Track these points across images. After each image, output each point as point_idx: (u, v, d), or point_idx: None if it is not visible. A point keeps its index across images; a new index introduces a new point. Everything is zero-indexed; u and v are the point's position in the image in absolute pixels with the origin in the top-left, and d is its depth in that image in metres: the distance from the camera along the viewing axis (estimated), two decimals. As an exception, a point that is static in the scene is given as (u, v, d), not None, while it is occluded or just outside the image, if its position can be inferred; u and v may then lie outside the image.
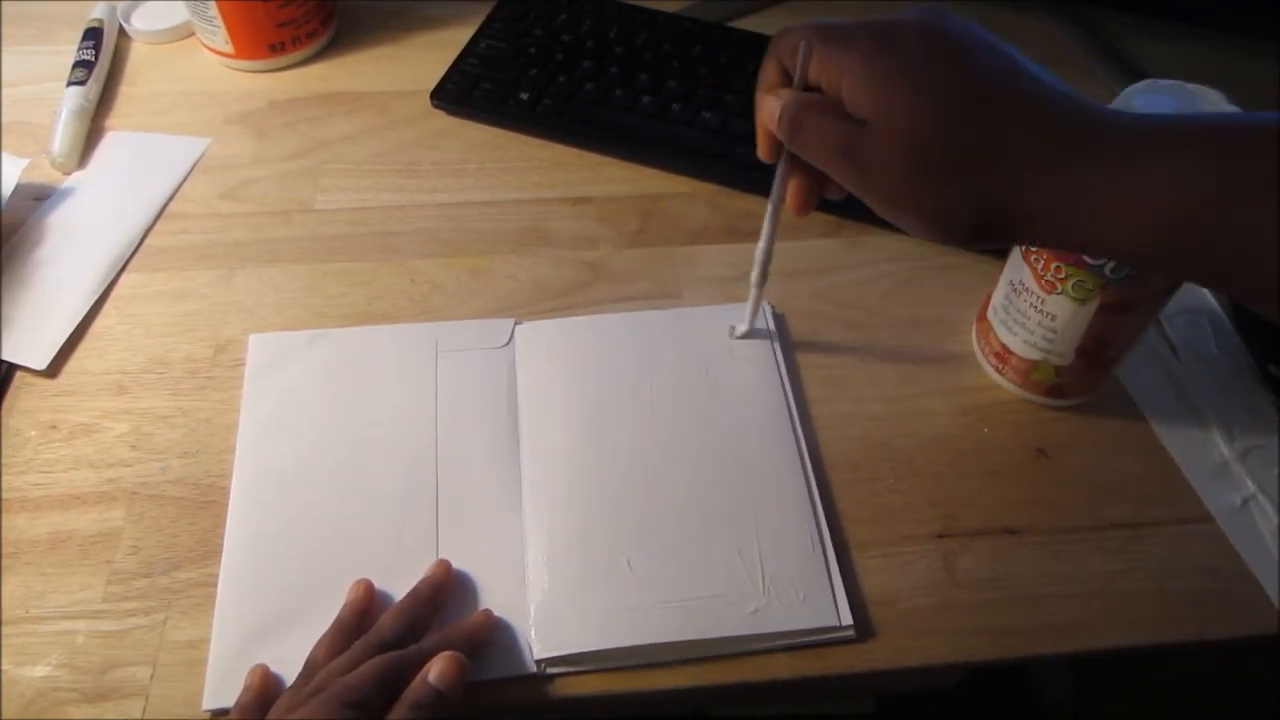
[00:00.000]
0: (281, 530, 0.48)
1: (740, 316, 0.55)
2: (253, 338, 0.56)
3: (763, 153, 0.44)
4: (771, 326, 0.56)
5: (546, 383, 0.54)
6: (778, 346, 0.56)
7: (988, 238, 0.37)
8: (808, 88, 0.41)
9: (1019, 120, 0.35)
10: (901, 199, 0.38)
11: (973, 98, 0.35)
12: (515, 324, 0.56)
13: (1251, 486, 0.51)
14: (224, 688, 0.43)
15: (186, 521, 0.49)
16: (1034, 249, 0.49)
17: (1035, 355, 0.51)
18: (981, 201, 0.36)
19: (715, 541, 0.48)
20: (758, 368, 0.54)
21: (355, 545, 0.48)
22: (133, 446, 0.52)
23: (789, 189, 0.45)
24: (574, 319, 0.57)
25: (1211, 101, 0.44)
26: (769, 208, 0.48)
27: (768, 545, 0.48)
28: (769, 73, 0.42)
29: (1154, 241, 0.33)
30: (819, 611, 0.46)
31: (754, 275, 0.52)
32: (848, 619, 0.46)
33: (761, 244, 0.50)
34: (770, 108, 0.41)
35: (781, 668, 0.45)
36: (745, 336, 0.56)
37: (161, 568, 0.48)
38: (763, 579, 0.47)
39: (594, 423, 0.52)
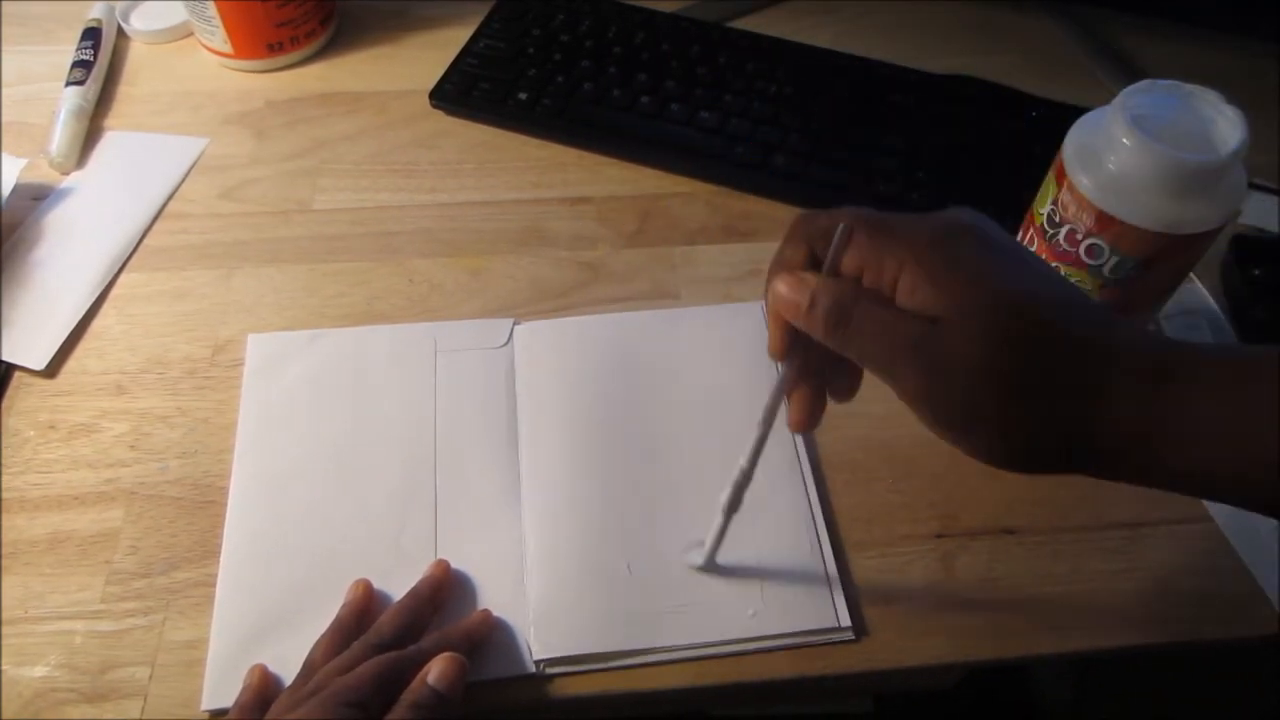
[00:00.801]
0: (280, 530, 0.48)
1: (736, 325, 0.54)
2: (251, 338, 0.56)
3: (774, 349, 0.38)
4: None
5: (545, 383, 0.54)
6: (776, 346, 0.55)
7: (1060, 466, 0.34)
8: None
9: (1112, 334, 0.33)
10: (975, 411, 0.34)
11: (1059, 308, 0.33)
12: (514, 324, 0.56)
13: (1250, 486, 0.51)
14: (223, 688, 0.43)
15: (185, 521, 0.49)
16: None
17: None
18: (1067, 425, 0.33)
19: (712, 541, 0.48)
20: (757, 368, 0.54)
21: (354, 545, 0.48)
22: (131, 446, 0.52)
23: (793, 400, 0.40)
24: (572, 319, 0.57)
25: (1209, 102, 0.44)
26: (761, 423, 0.40)
27: (766, 545, 0.48)
28: (791, 256, 0.37)
29: (1262, 472, 0.31)
30: (817, 612, 0.46)
31: (724, 499, 0.43)
32: (846, 619, 0.46)
33: (743, 463, 0.42)
34: (795, 295, 0.36)
35: (780, 668, 0.45)
36: (704, 570, 0.47)
37: (160, 568, 0.47)
38: (761, 579, 0.47)
39: (592, 423, 0.52)
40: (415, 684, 0.40)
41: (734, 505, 0.43)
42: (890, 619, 0.47)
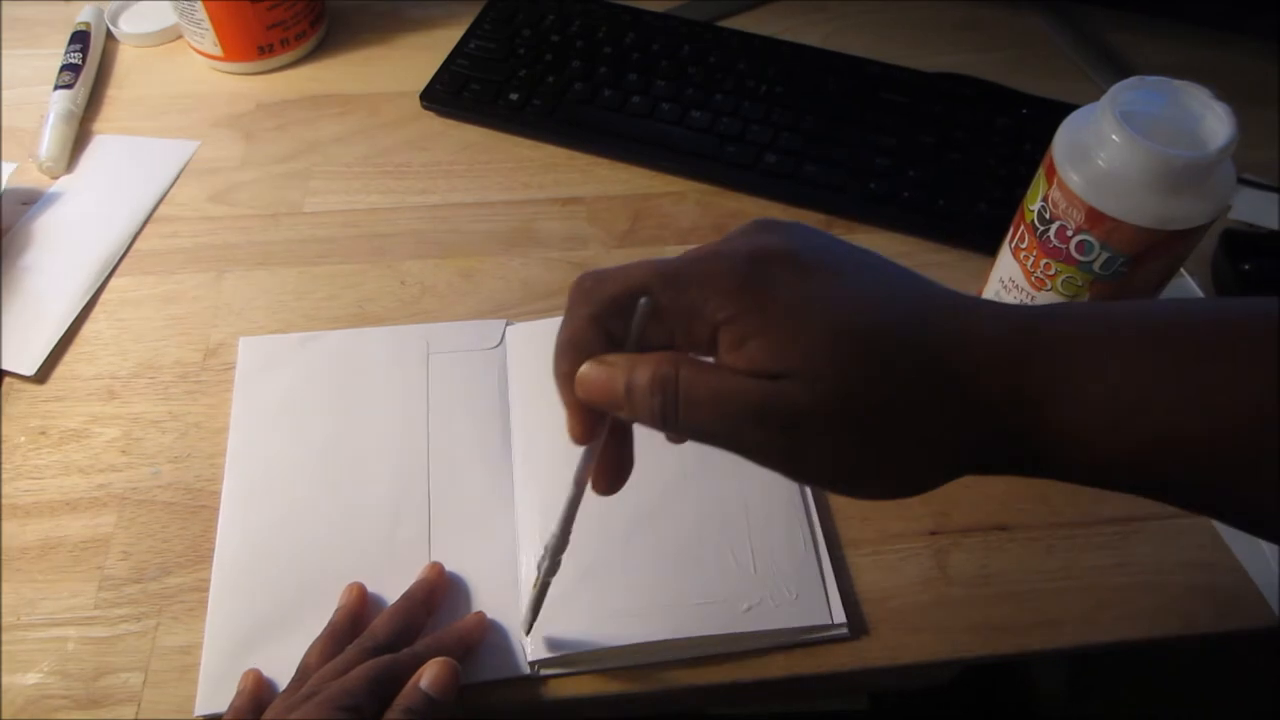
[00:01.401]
0: (273, 534, 0.48)
1: None
2: (243, 341, 0.56)
3: (577, 434, 0.34)
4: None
5: (538, 383, 0.54)
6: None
7: (967, 470, 0.31)
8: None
9: (970, 321, 0.30)
10: (849, 461, 0.30)
11: (906, 315, 0.30)
12: (506, 325, 0.56)
13: (1241, 481, 0.51)
14: (217, 693, 0.43)
15: (178, 526, 0.49)
16: (1022, 248, 0.49)
17: (1025, 352, 0.51)
18: (955, 436, 0.30)
19: (708, 541, 0.48)
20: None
21: (347, 548, 0.48)
22: (123, 451, 0.52)
23: (598, 469, 0.36)
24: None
25: (1198, 98, 0.44)
26: (571, 492, 0.37)
27: (760, 544, 0.48)
28: (582, 335, 0.32)
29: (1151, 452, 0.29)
30: (812, 610, 0.46)
31: (544, 564, 0.40)
32: (841, 617, 0.46)
33: (554, 530, 0.39)
34: (602, 379, 0.31)
35: (775, 666, 0.45)
36: (528, 633, 0.44)
37: (153, 573, 0.47)
38: (755, 578, 0.47)
39: (586, 423, 0.52)
40: (408, 688, 0.40)
41: (552, 569, 0.41)
42: (885, 616, 0.47)
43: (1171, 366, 0.29)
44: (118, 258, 0.60)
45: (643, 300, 0.31)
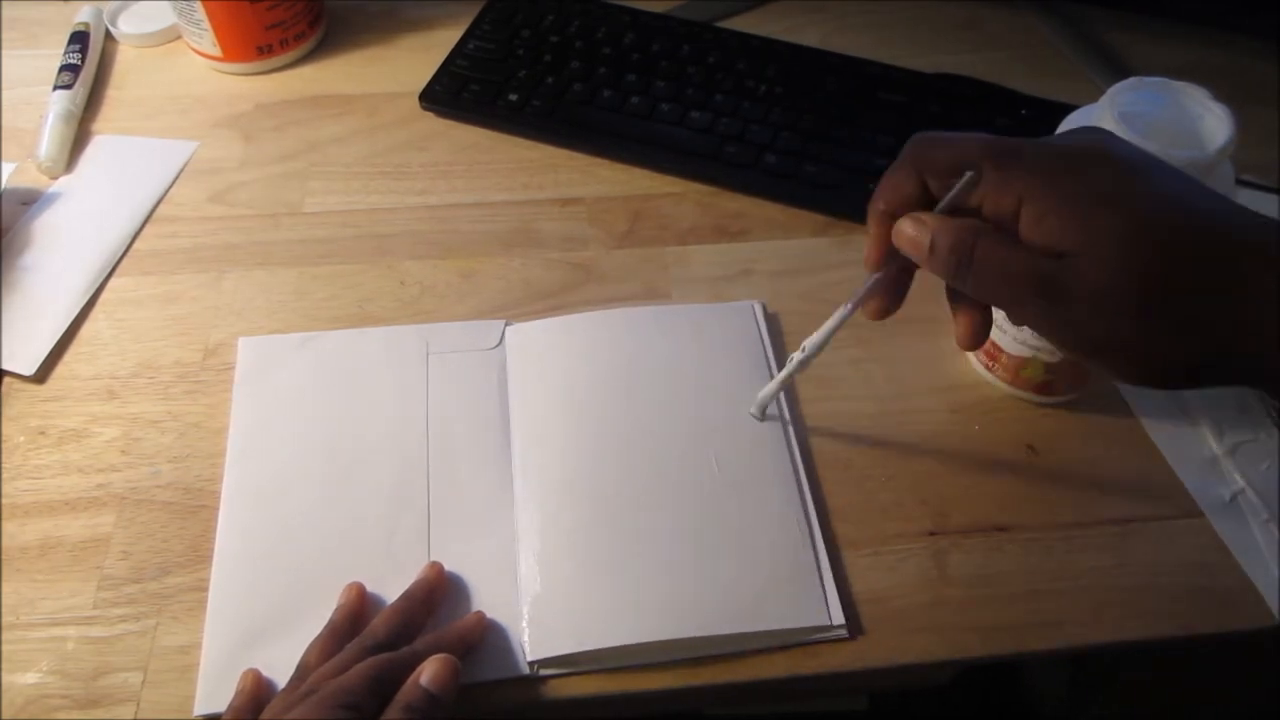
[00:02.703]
0: (273, 534, 0.48)
1: (729, 322, 0.55)
2: (242, 341, 0.56)
3: (871, 263, 0.40)
4: (762, 324, 0.56)
5: (537, 383, 0.54)
6: (768, 344, 0.56)
7: (1205, 382, 0.34)
8: (953, 212, 0.37)
9: (1254, 254, 0.32)
10: (1111, 339, 0.34)
11: (1195, 229, 0.33)
12: (506, 325, 0.56)
13: (1240, 481, 0.51)
14: (216, 693, 0.43)
15: (177, 526, 0.49)
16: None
17: (1025, 352, 0.52)
18: (1209, 343, 0.33)
19: (706, 541, 0.48)
20: (748, 366, 0.54)
21: (347, 548, 0.48)
22: (122, 451, 0.52)
23: (876, 295, 0.42)
24: (564, 319, 0.57)
25: (1196, 99, 0.44)
26: (843, 309, 0.44)
27: (759, 544, 0.48)
28: (901, 185, 0.38)
29: None
30: (810, 610, 0.46)
31: (797, 356, 0.47)
32: (839, 617, 0.46)
33: (820, 336, 0.45)
34: (912, 232, 0.37)
35: (774, 667, 0.45)
36: (761, 416, 0.52)
37: (152, 573, 0.47)
38: (754, 578, 0.47)
39: (584, 423, 0.52)
40: (408, 685, 0.40)
41: (802, 365, 0.47)
42: (883, 617, 0.47)
43: None
44: (117, 258, 0.60)
45: (968, 173, 0.35)
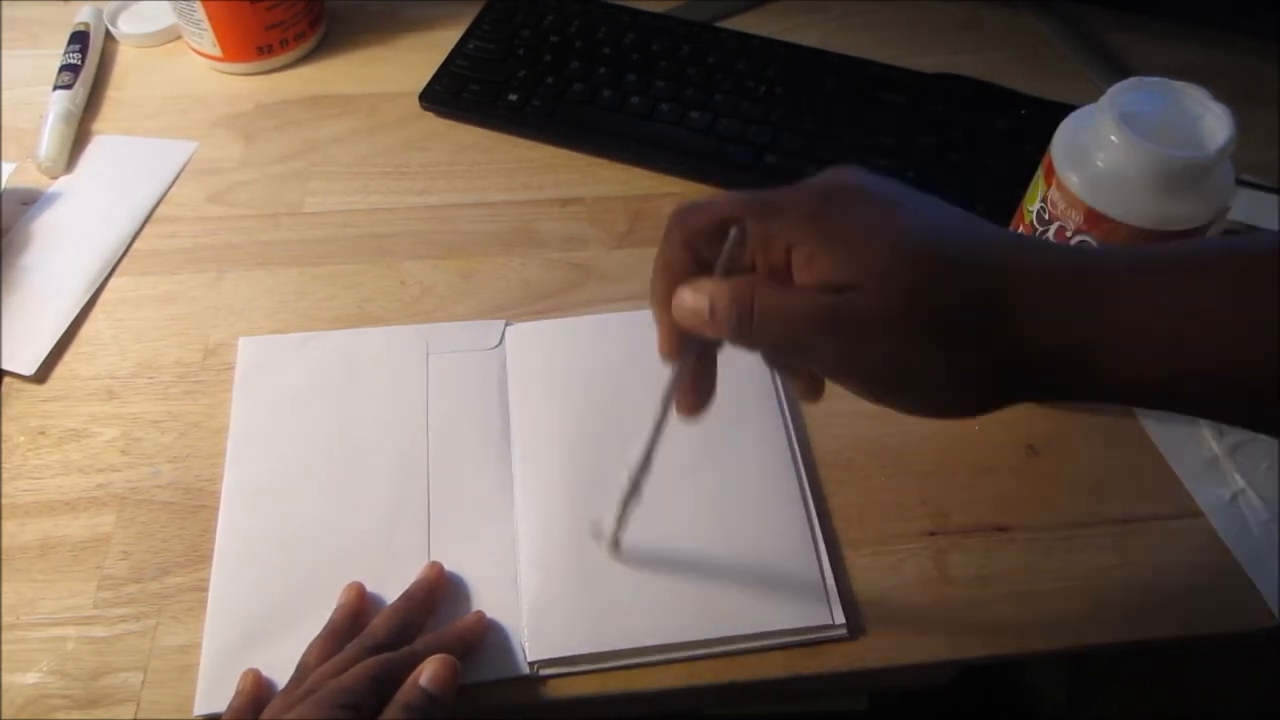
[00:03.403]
0: (273, 534, 0.48)
1: None
2: (242, 341, 0.56)
3: (666, 350, 0.38)
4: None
5: (537, 383, 0.54)
6: (768, 346, 0.55)
7: (1003, 398, 0.34)
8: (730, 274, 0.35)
9: (1021, 271, 0.32)
10: (901, 366, 0.33)
11: (961, 247, 0.33)
12: (506, 325, 0.56)
13: (1240, 481, 0.51)
14: (216, 692, 0.43)
15: (177, 526, 0.49)
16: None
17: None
18: (991, 360, 0.32)
19: (707, 541, 0.48)
20: (748, 366, 0.54)
21: (347, 548, 0.48)
22: (122, 451, 0.52)
23: (682, 391, 0.40)
24: (564, 320, 0.57)
25: (1196, 99, 0.44)
26: (658, 414, 0.40)
27: (759, 544, 0.48)
28: (675, 260, 0.36)
29: (1217, 371, 0.31)
30: (811, 610, 0.46)
31: (627, 491, 0.43)
32: (840, 617, 0.46)
33: (640, 454, 0.41)
34: (690, 301, 0.35)
35: (774, 667, 0.45)
36: (612, 547, 0.46)
37: (152, 573, 0.47)
38: (754, 579, 0.47)
39: (585, 423, 0.52)
40: (408, 685, 0.40)
41: (634, 495, 0.43)
42: (884, 617, 0.47)
43: (1231, 288, 0.31)
44: (117, 258, 0.60)
45: (733, 230, 0.35)
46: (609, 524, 0.45)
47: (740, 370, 0.54)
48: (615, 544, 0.46)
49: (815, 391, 0.40)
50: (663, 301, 0.37)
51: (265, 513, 0.49)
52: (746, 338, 0.35)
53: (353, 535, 0.48)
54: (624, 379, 0.54)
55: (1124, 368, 0.31)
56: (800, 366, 0.38)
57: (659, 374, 0.54)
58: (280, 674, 0.43)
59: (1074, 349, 0.32)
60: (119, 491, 0.50)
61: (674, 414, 0.40)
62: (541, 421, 0.52)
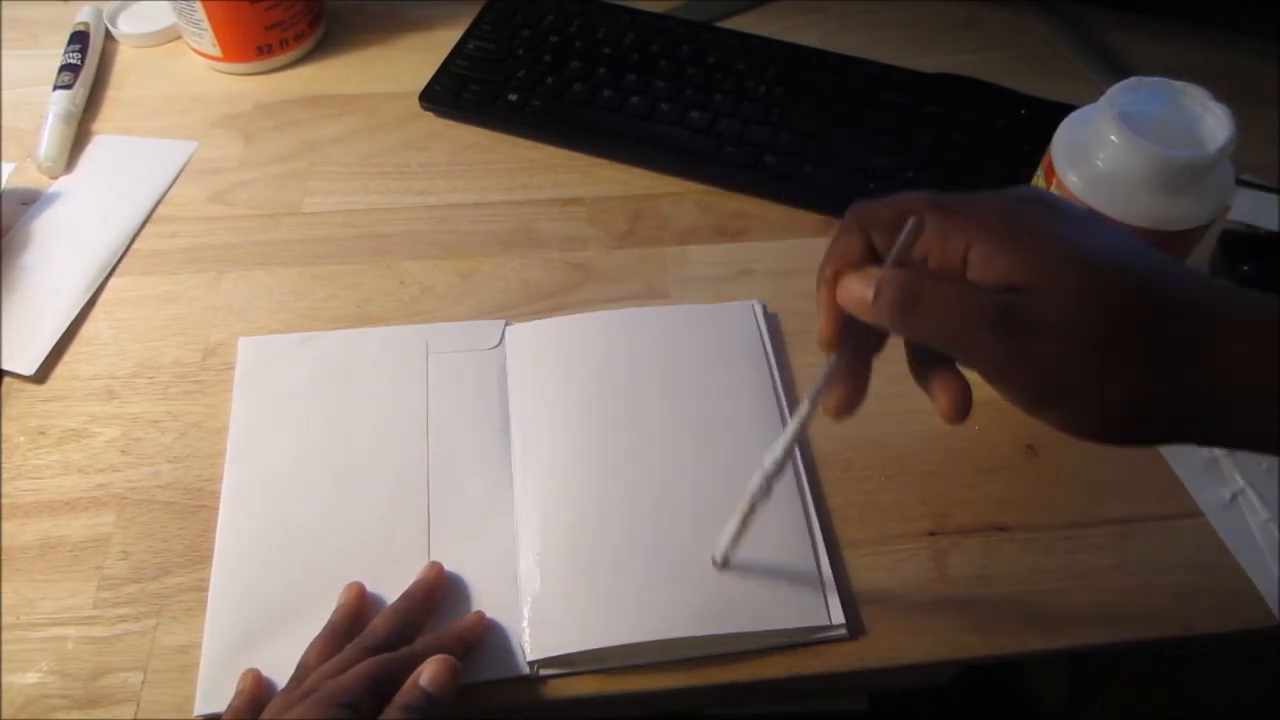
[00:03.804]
0: (272, 534, 0.48)
1: (728, 322, 0.53)
2: (242, 341, 0.56)
3: (824, 341, 0.37)
4: (762, 324, 0.56)
5: (537, 383, 0.54)
6: (768, 344, 0.56)
7: (1161, 435, 0.33)
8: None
9: (1222, 315, 0.31)
10: (1068, 377, 0.32)
11: (1157, 275, 0.32)
12: (505, 325, 0.56)
13: (1240, 481, 0.51)
14: (216, 692, 0.43)
15: (177, 526, 0.49)
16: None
17: (1024, 352, 0.52)
18: (1168, 390, 0.31)
19: (707, 540, 0.48)
20: (749, 366, 0.54)
21: (347, 548, 0.48)
22: (122, 451, 0.52)
23: (835, 388, 0.38)
24: (564, 318, 0.57)
25: (1196, 99, 0.44)
26: (804, 408, 0.39)
27: (759, 544, 0.48)
28: (847, 248, 0.36)
29: None
30: (811, 610, 0.46)
31: (755, 483, 0.41)
32: (840, 618, 0.46)
33: (781, 445, 0.40)
34: (857, 288, 0.35)
35: (774, 667, 0.45)
36: (723, 566, 0.46)
37: (152, 573, 0.47)
38: (754, 578, 0.47)
39: (585, 422, 0.52)
40: (407, 686, 0.40)
41: (765, 492, 0.42)
42: (884, 617, 0.47)
43: None
44: (117, 258, 0.60)
45: (911, 220, 0.34)
46: (727, 537, 0.44)
47: (738, 370, 0.54)
48: (732, 555, 0.45)
49: (957, 407, 0.37)
50: (829, 284, 0.36)
51: (265, 512, 0.49)
52: (909, 320, 0.34)
53: (352, 535, 0.48)
54: (623, 378, 0.54)
55: None
56: (957, 360, 0.36)
57: (658, 374, 0.54)
58: (280, 674, 0.43)
59: (1254, 399, 0.31)
60: (119, 491, 0.50)
61: (819, 411, 0.39)
62: (541, 421, 0.52)
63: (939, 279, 0.34)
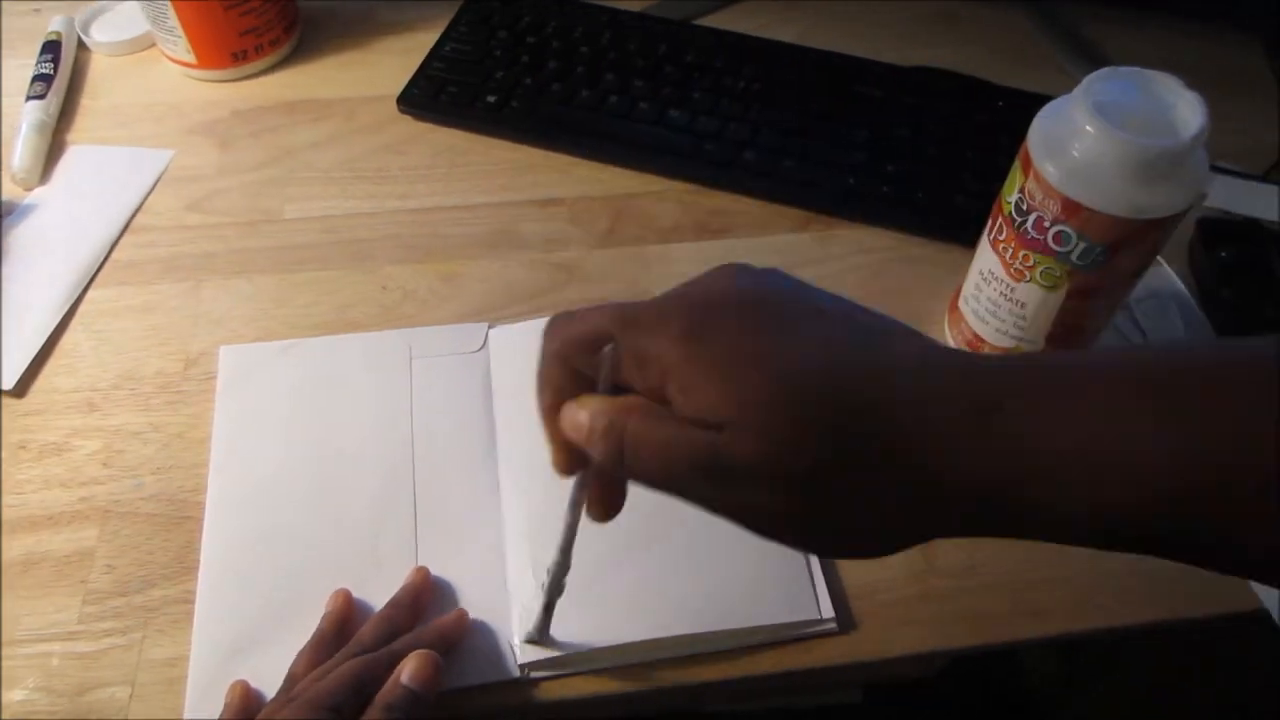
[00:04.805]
0: (258, 543, 0.48)
1: None
2: (223, 350, 0.55)
3: (560, 467, 0.34)
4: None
5: (522, 385, 0.53)
6: (752, 342, 0.56)
7: (926, 535, 0.30)
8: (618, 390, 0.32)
9: (925, 383, 0.28)
10: (797, 515, 0.29)
11: (856, 369, 0.29)
12: (489, 328, 0.56)
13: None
14: (204, 705, 0.43)
15: (161, 538, 0.49)
16: (1001, 240, 0.49)
17: (1007, 343, 0.52)
18: (910, 497, 0.28)
19: (695, 539, 0.48)
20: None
21: (333, 556, 0.48)
22: (104, 464, 0.51)
23: (592, 499, 0.36)
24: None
25: (1170, 87, 0.44)
26: (567, 518, 0.37)
27: (748, 541, 0.47)
28: (554, 376, 0.33)
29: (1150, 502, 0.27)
30: (801, 605, 0.46)
31: (548, 588, 0.41)
32: (830, 611, 0.46)
33: (556, 556, 0.39)
34: (576, 420, 0.32)
35: (766, 662, 0.45)
36: (530, 641, 0.45)
37: (137, 586, 0.47)
38: (743, 575, 0.47)
39: (570, 424, 0.52)
40: (389, 684, 0.40)
41: (555, 591, 0.41)
42: (874, 610, 0.47)
43: (1168, 413, 0.26)
44: (95, 269, 0.60)
45: (607, 348, 0.31)
46: (534, 619, 0.43)
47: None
48: (542, 636, 0.44)
49: (611, 512, 0.36)
50: (547, 414, 0.33)
51: (250, 522, 0.49)
52: (624, 472, 0.31)
53: (339, 542, 0.48)
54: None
55: (1048, 509, 0.28)
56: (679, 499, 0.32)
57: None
58: (269, 684, 0.43)
59: (986, 489, 0.27)
60: (102, 505, 0.50)
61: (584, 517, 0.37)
62: (527, 424, 0.52)
63: (641, 419, 0.30)
